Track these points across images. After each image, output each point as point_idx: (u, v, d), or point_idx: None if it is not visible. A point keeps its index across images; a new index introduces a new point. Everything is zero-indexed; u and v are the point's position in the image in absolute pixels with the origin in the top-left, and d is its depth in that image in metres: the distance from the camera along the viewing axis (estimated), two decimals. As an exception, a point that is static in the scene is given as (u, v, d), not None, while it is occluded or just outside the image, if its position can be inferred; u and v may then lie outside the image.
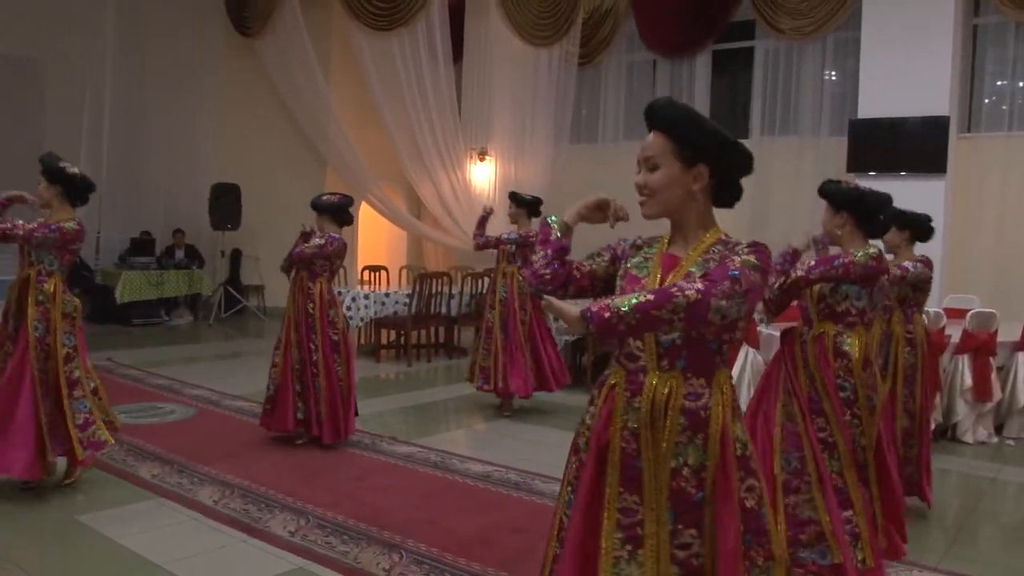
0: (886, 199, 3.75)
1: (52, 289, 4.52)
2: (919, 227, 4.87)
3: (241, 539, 4.10)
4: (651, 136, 2.16)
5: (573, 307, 1.99)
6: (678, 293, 1.93)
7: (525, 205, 6.98)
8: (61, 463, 4.74)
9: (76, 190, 4.65)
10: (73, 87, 11.60)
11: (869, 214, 3.68)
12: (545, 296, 2.07)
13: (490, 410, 7.15)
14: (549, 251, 2.28)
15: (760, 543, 2.13)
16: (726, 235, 2.19)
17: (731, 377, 2.19)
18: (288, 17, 12.02)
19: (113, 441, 4.80)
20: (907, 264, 4.62)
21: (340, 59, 12.64)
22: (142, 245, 12.17)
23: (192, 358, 9.52)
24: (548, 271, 2.27)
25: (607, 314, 1.94)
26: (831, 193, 3.74)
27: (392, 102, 11.99)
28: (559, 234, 2.29)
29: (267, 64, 12.66)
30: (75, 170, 4.63)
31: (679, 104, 2.19)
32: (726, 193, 2.21)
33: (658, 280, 2.15)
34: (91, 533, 4.11)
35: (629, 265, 2.25)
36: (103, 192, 11.84)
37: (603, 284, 2.31)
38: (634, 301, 1.94)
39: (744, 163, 2.18)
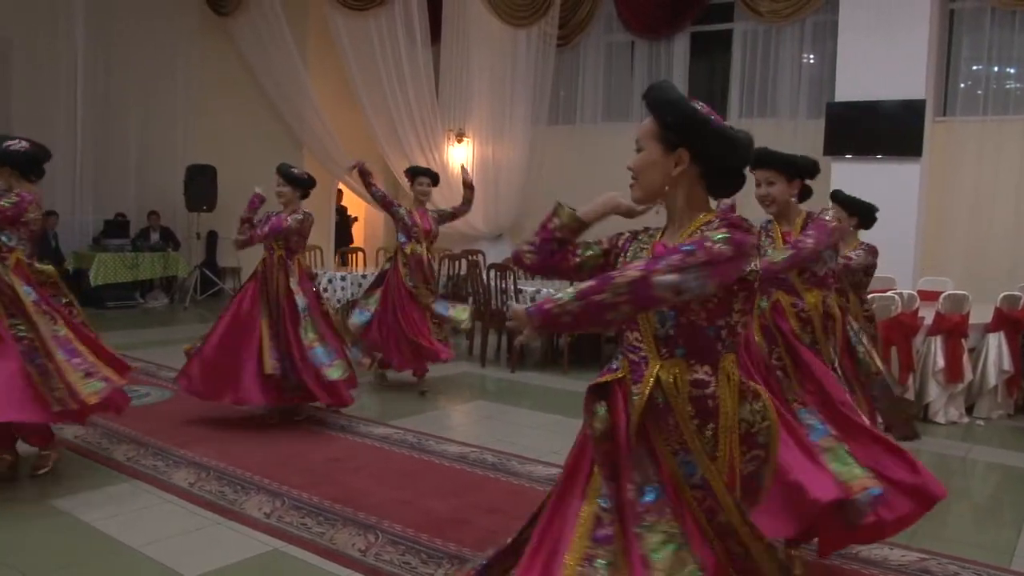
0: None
1: (12, 263, 4.44)
2: (867, 215, 4.96)
3: (216, 521, 4.09)
4: (647, 120, 2.16)
5: (520, 306, 1.98)
6: (618, 275, 1.91)
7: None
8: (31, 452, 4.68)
9: (26, 164, 4.53)
10: (43, 68, 11.39)
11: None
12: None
13: (467, 391, 7.15)
14: (538, 239, 2.30)
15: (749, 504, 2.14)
16: (719, 216, 2.12)
17: (737, 361, 2.14)
18: (263, -4, 11.90)
19: (125, 381, 4.71)
20: (851, 254, 4.77)
21: (316, 39, 12.53)
22: (116, 227, 12.05)
23: (167, 341, 9.44)
24: (528, 256, 2.29)
25: (549, 306, 1.93)
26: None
27: (369, 83, 11.91)
28: (558, 222, 2.29)
29: (242, 44, 12.54)
30: (20, 145, 4.51)
31: (668, 87, 2.16)
32: (720, 181, 2.17)
33: None
34: (66, 517, 4.09)
35: (627, 257, 2.24)
36: (76, 174, 11.76)
37: (588, 275, 2.25)
38: (574, 290, 1.93)
39: (731, 152, 2.13)
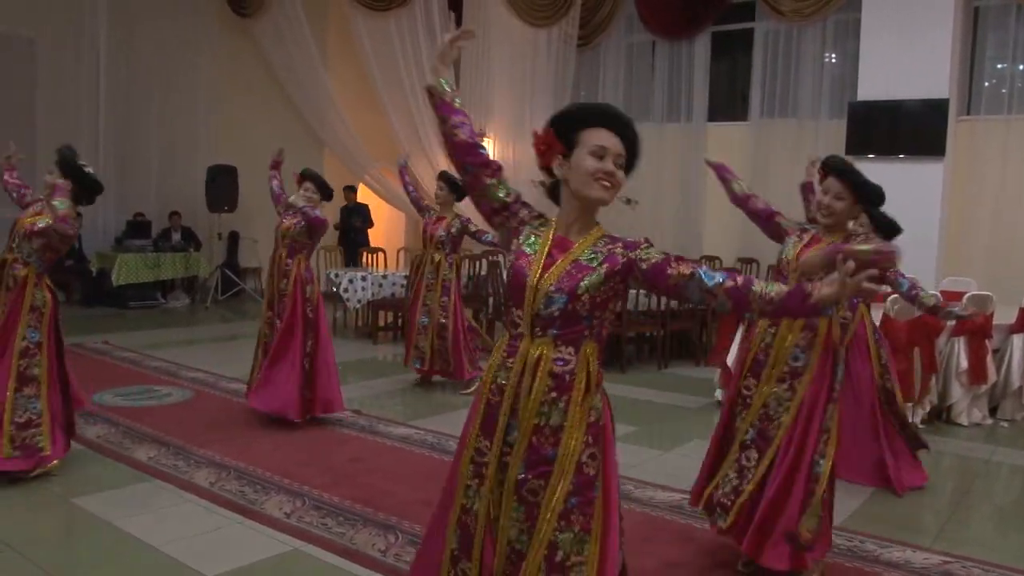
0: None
1: (23, 276, 4.46)
2: (889, 234, 4.79)
3: (237, 521, 4.11)
4: (616, 138, 2.30)
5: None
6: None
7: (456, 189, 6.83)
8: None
9: (90, 191, 4.60)
10: (66, 67, 11.50)
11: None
12: None
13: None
14: (461, 113, 2.43)
15: (583, 512, 2.26)
16: (608, 233, 2.36)
17: (598, 350, 2.32)
18: (285, -3, 11.96)
19: (49, 453, 4.47)
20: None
21: (337, 39, 12.58)
22: (138, 227, 12.13)
23: (189, 341, 9.51)
24: (461, 131, 2.41)
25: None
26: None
27: (390, 83, 11.93)
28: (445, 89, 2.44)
29: (263, 45, 12.60)
30: (91, 170, 4.59)
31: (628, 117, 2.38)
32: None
33: (542, 260, 2.29)
34: (87, 515, 4.12)
35: (521, 241, 2.37)
36: (99, 174, 11.79)
37: (487, 203, 2.43)
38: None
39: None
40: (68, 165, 4.51)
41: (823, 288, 2.08)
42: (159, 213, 12.58)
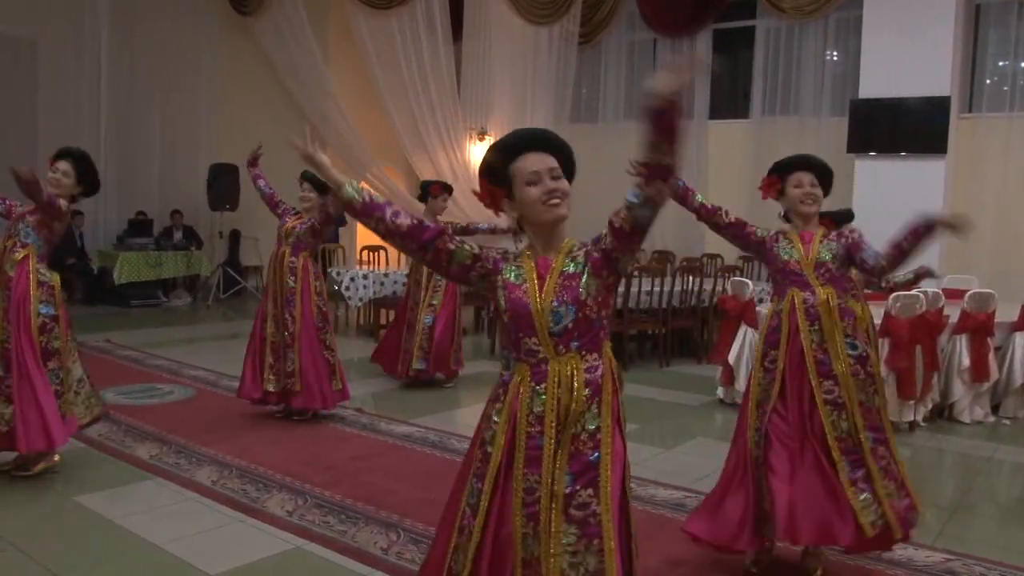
0: None
1: (24, 257, 4.49)
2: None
3: (239, 519, 4.11)
4: (541, 155, 2.31)
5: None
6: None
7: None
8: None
9: (90, 189, 4.80)
10: (67, 67, 11.53)
11: None
12: None
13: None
14: (392, 204, 2.40)
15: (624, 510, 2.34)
16: (576, 240, 2.39)
17: (610, 347, 2.37)
18: (285, -5, 11.96)
19: (87, 422, 4.70)
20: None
21: (338, 38, 12.58)
22: (140, 226, 12.15)
23: (190, 339, 9.53)
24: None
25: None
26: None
27: (391, 81, 11.94)
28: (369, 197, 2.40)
29: (265, 43, 12.60)
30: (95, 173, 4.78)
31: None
32: None
33: (535, 283, 2.31)
34: (89, 513, 4.12)
35: (507, 276, 2.36)
36: (101, 173, 11.79)
37: (458, 268, 2.38)
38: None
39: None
40: (86, 167, 4.69)
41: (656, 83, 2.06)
42: (161, 212, 12.61)
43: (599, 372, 2.30)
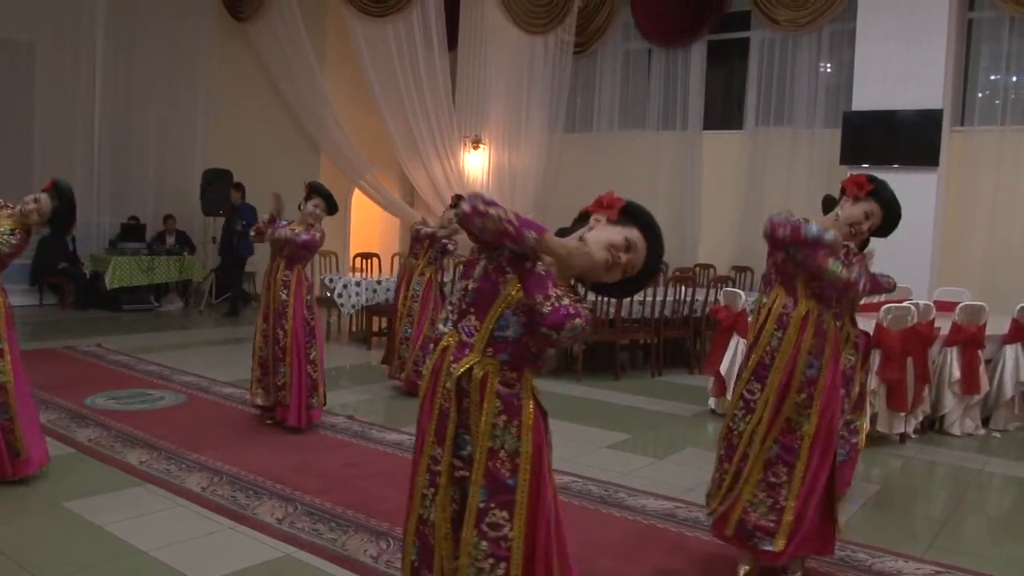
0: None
1: None
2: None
3: (229, 526, 4.10)
4: (635, 231, 2.31)
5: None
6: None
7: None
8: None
9: (62, 221, 4.50)
10: (64, 71, 11.53)
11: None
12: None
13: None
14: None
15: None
16: None
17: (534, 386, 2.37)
18: (282, 1, 11.95)
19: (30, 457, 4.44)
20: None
21: (334, 45, 12.58)
22: (132, 230, 12.12)
23: (182, 344, 9.50)
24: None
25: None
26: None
27: (386, 89, 11.94)
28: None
29: (260, 49, 12.59)
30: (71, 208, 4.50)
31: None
32: None
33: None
34: (78, 520, 4.10)
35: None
36: (95, 177, 11.89)
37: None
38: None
39: None
40: (66, 194, 4.43)
41: None
42: (154, 216, 12.60)
43: (516, 391, 2.29)
